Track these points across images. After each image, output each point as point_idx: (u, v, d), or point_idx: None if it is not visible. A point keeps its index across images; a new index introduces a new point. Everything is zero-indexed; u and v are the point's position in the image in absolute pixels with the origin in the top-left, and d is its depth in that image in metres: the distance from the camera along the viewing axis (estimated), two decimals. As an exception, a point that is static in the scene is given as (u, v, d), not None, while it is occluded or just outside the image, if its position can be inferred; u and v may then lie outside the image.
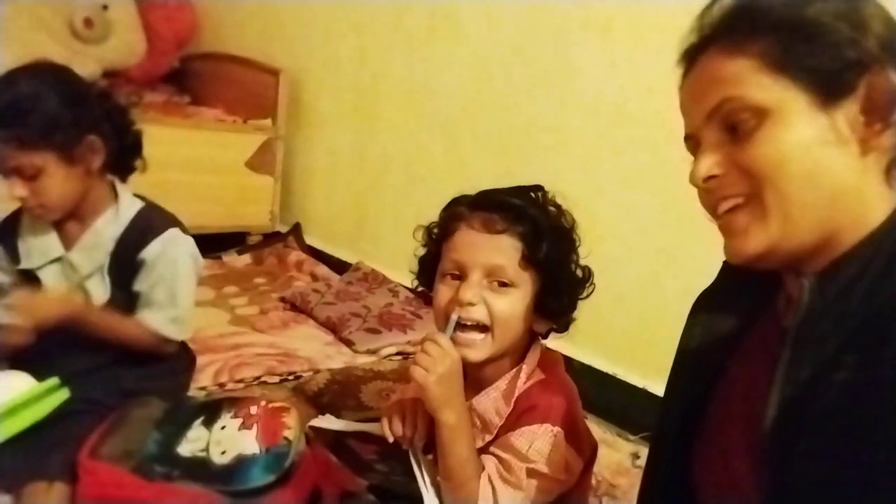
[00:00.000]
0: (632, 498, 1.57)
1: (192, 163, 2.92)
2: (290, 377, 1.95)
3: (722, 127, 0.71)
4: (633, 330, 1.95)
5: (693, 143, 0.76)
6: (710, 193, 0.73)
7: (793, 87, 0.67)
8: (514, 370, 1.11)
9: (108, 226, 1.45)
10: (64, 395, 1.32)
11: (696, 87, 0.74)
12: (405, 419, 1.12)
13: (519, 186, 1.14)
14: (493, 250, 1.05)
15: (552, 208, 1.12)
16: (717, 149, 0.72)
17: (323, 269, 2.90)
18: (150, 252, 1.45)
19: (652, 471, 0.93)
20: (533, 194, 1.12)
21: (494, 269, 1.05)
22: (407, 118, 2.62)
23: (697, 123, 0.73)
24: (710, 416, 0.83)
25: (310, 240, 3.11)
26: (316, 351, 2.16)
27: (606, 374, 1.97)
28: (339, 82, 2.93)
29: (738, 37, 0.70)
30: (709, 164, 0.72)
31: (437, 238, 1.14)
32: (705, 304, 0.91)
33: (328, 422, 1.24)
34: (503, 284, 1.05)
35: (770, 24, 0.69)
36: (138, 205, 1.51)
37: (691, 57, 0.75)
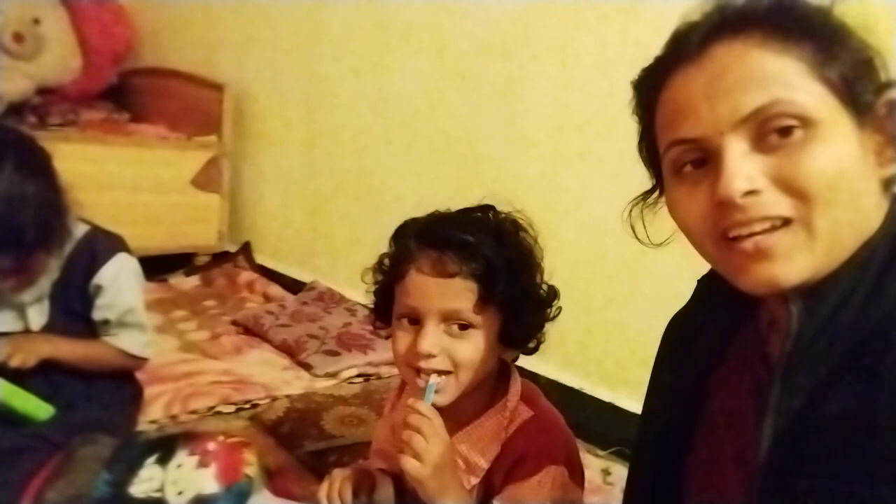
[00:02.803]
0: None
1: (134, 182, 2.82)
2: (247, 406, 1.86)
3: (756, 134, 0.61)
4: (600, 344, 1.93)
5: (694, 148, 0.66)
6: (741, 212, 0.61)
7: (835, 98, 0.62)
8: (498, 406, 1.06)
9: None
10: (48, 411, 1.37)
11: (720, 83, 0.62)
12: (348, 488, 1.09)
13: (468, 210, 1.07)
14: (446, 295, 0.98)
15: (509, 227, 1.05)
16: (751, 158, 0.62)
17: (276, 289, 2.81)
18: (105, 277, 1.45)
19: (632, 499, 0.90)
20: (483, 215, 1.05)
21: (450, 313, 0.98)
22: (358, 132, 2.56)
23: (716, 127, 0.62)
24: (698, 445, 0.79)
25: (261, 258, 3.03)
26: (272, 377, 2.07)
27: (573, 389, 1.94)
28: (288, 96, 2.86)
29: (780, 32, 0.62)
30: (750, 175, 0.61)
31: (388, 277, 1.06)
32: (679, 328, 0.87)
33: None
34: (463, 327, 0.99)
35: (816, 25, 0.63)
36: (83, 228, 1.47)
37: (700, 42, 0.65)
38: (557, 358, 1.92)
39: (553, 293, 1.08)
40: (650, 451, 0.85)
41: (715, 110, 0.62)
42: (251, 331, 2.40)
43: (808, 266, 0.62)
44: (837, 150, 0.60)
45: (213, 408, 1.84)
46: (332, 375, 2.09)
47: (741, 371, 0.75)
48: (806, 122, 0.60)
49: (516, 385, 1.08)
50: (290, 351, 2.22)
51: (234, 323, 2.48)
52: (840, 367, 0.61)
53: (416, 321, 1.00)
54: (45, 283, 1.40)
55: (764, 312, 0.73)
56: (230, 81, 2.99)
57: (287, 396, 1.89)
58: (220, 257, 3.07)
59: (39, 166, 1.30)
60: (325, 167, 2.73)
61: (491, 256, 0.98)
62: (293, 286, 2.79)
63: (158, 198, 2.88)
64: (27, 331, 1.41)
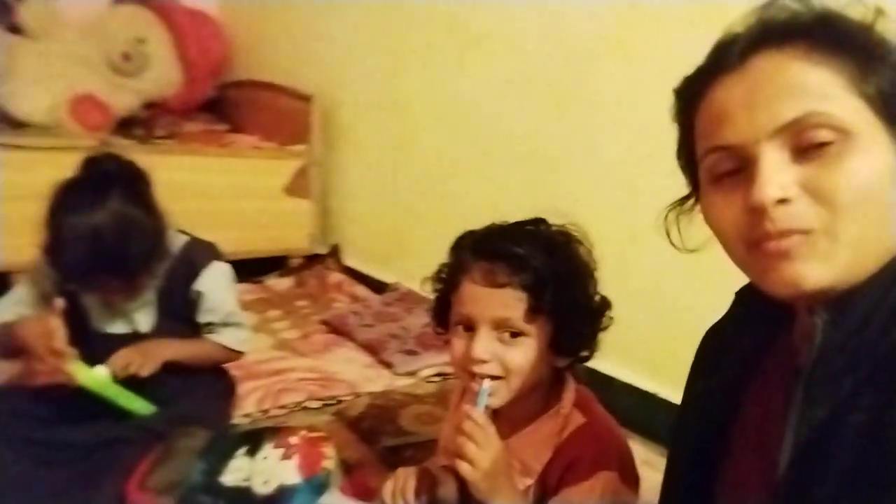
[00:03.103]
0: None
1: (231, 190, 3.00)
2: (332, 402, 1.97)
3: (793, 144, 0.63)
4: (674, 347, 1.93)
5: (732, 156, 0.67)
6: (772, 221, 0.63)
7: (872, 112, 0.62)
8: (552, 412, 1.11)
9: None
10: (150, 409, 1.51)
11: (760, 93, 0.64)
12: (410, 487, 1.15)
13: (521, 223, 1.13)
14: (497, 304, 1.04)
15: (560, 239, 1.10)
16: (785, 168, 0.63)
17: (362, 290, 2.94)
18: (204, 284, 1.58)
19: None
20: (535, 228, 1.11)
21: (501, 321, 1.04)
22: (437, 139, 2.64)
23: (754, 135, 0.64)
24: (728, 454, 0.81)
25: (349, 261, 3.16)
26: (356, 374, 2.19)
27: (648, 393, 1.95)
28: (372, 104, 2.98)
29: (821, 45, 0.63)
30: (782, 184, 0.62)
31: (446, 286, 1.14)
32: (714, 339, 0.88)
33: None
34: (515, 335, 1.04)
35: (855, 38, 0.64)
36: (182, 239, 1.61)
37: (742, 53, 0.66)
38: (633, 361, 1.93)
39: (605, 304, 1.12)
40: (683, 463, 0.87)
41: (753, 119, 0.64)
42: (338, 330, 2.52)
43: (831, 272, 0.62)
44: (871, 163, 0.61)
45: (300, 403, 1.95)
46: (411, 374, 2.19)
47: (773, 384, 0.75)
48: (841, 134, 0.61)
49: (570, 392, 1.13)
50: (373, 350, 2.33)
51: (323, 322, 2.61)
52: (863, 380, 0.62)
53: (471, 328, 1.06)
54: (149, 292, 1.54)
55: (798, 326, 0.73)
56: (318, 93, 3.13)
57: (369, 394, 2.00)
58: (312, 259, 3.22)
59: (142, 194, 1.44)
60: (406, 173, 2.83)
61: (540, 268, 1.03)
62: (378, 287, 2.90)
63: (254, 204, 3.05)
64: (136, 333, 1.55)
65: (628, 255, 1.88)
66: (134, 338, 1.53)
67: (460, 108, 2.52)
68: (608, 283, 1.12)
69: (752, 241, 0.65)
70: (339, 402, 1.97)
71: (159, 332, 1.56)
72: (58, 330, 1.39)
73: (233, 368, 1.83)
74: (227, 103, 3.75)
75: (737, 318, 0.85)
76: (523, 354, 1.04)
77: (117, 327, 1.55)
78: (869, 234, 0.62)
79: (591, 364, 1.15)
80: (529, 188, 2.26)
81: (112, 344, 1.49)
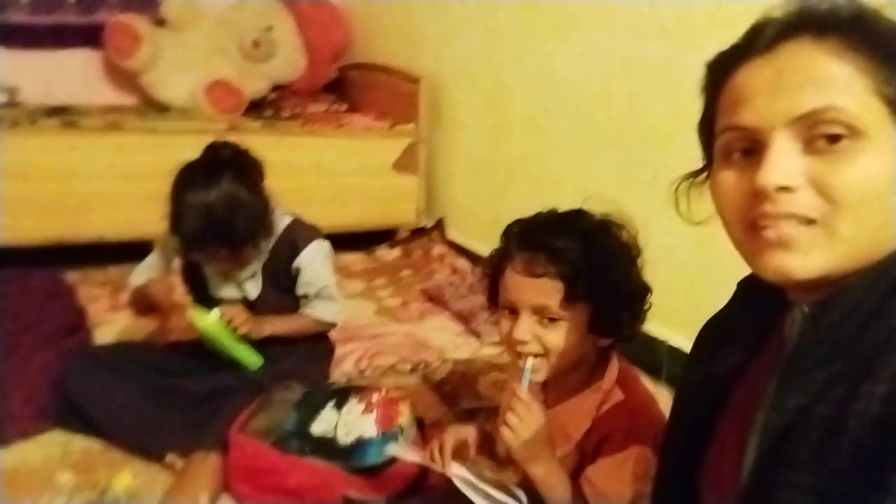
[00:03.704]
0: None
1: (346, 167, 3.23)
2: (420, 366, 2.16)
3: (807, 135, 0.63)
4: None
5: (746, 137, 0.68)
6: (773, 204, 0.64)
7: (889, 114, 0.63)
8: (594, 387, 1.22)
9: (263, 240, 1.74)
10: (259, 361, 1.74)
11: (783, 80, 0.64)
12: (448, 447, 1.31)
13: (563, 214, 1.23)
14: (536, 292, 1.15)
15: (598, 230, 1.19)
16: (794, 157, 0.64)
17: (463, 262, 3.08)
18: (303, 261, 1.77)
19: (659, 489, 0.96)
20: (575, 219, 1.21)
21: (540, 308, 1.15)
22: (534, 119, 2.74)
23: (770, 120, 0.65)
24: (712, 444, 0.83)
25: (452, 234, 3.32)
26: (447, 341, 2.36)
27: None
28: (474, 85, 3.10)
29: (848, 39, 0.63)
30: (788, 172, 0.63)
31: (494, 272, 1.25)
32: (713, 328, 0.90)
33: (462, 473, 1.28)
34: (553, 319, 1.15)
35: (886, 40, 0.64)
36: (287, 219, 1.80)
37: (773, 38, 0.67)
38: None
39: (645, 288, 1.22)
40: (676, 446, 0.89)
41: (773, 104, 0.65)
42: (434, 299, 2.71)
43: (822, 264, 0.64)
44: (879, 165, 0.62)
45: (393, 365, 2.14)
46: (497, 344, 2.33)
47: (762, 373, 0.76)
48: (854, 133, 0.62)
49: (612, 370, 1.23)
50: (465, 319, 2.49)
51: (422, 291, 2.81)
52: (835, 375, 0.64)
53: (515, 311, 1.19)
54: (256, 264, 1.76)
55: (790, 316, 0.74)
56: (426, 74, 3.29)
57: (454, 360, 2.17)
58: (419, 232, 3.41)
59: (251, 178, 1.64)
60: (505, 151, 2.95)
61: (576, 259, 1.14)
62: (477, 260, 3.04)
63: (366, 180, 3.27)
64: (245, 300, 1.77)
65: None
66: (243, 303, 1.76)
67: (557, 87, 2.60)
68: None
69: (750, 221, 0.67)
70: (427, 366, 2.15)
71: (264, 299, 1.78)
72: (178, 286, 1.66)
73: (337, 332, 2.02)
74: (347, 84, 3.97)
75: (738, 308, 0.87)
76: (561, 336, 1.16)
77: (230, 293, 1.78)
78: (866, 233, 0.63)
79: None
80: (620, 165, 2.32)
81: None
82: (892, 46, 0.64)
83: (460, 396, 1.94)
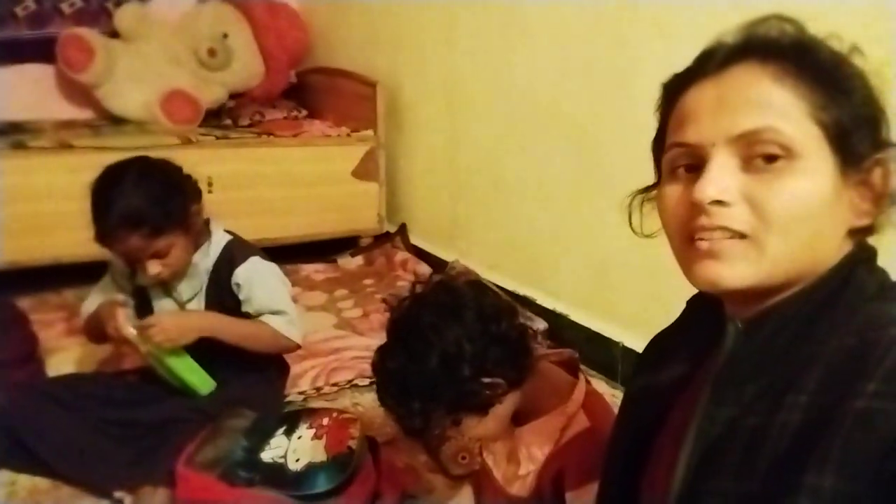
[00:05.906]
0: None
1: (305, 176, 3.20)
2: (379, 380, 2.14)
3: (745, 154, 0.67)
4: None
5: (690, 153, 0.71)
6: (708, 217, 0.67)
7: (824, 139, 0.66)
8: (558, 410, 1.20)
9: (203, 259, 1.74)
10: (210, 386, 1.73)
11: (727, 100, 0.68)
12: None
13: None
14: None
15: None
16: (732, 173, 0.67)
17: (425, 268, 3.06)
18: (239, 277, 1.74)
19: (603, 498, 0.97)
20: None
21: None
22: (491, 124, 2.74)
23: (712, 138, 0.68)
24: (653, 448, 0.85)
25: (414, 239, 3.32)
26: (407, 353, 2.34)
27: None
28: (431, 89, 3.10)
29: (790, 65, 0.67)
30: (723, 187, 0.66)
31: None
32: (659, 344, 0.93)
33: None
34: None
35: (827, 71, 0.67)
36: (226, 239, 1.79)
37: (721, 62, 0.70)
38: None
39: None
40: (620, 455, 0.91)
41: (715, 123, 0.68)
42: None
43: (749, 276, 0.67)
44: (810, 186, 0.65)
45: (351, 381, 2.13)
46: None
47: (700, 387, 0.78)
48: (790, 154, 0.65)
49: (580, 391, 1.22)
50: (426, 329, 2.48)
51: (383, 301, 2.78)
52: (763, 388, 0.67)
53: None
54: (197, 283, 1.74)
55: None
56: (384, 79, 3.27)
57: (411, 373, 2.16)
58: (381, 238, 3.40)
59: (162, 172, 1.64)
60: (463, 156, 2.94)
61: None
62: (440, 265, 3.04)
63: (326, 188, 3.25)
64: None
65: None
66: None
67: (513, 93, 2.60)
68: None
69: (688, 234, 0.70)
70: (385, 380, 2.14)
71: None
72: (120, 313, 1.63)
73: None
74: (307, 89, 3.93)
75: (685, 323, 0.91)
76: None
77: None
78: (794, 250, 0.67)
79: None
80: (575, 169, 2.33)
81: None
82: (830, 74, 0.67)
83: (416, 412, 1.93)
